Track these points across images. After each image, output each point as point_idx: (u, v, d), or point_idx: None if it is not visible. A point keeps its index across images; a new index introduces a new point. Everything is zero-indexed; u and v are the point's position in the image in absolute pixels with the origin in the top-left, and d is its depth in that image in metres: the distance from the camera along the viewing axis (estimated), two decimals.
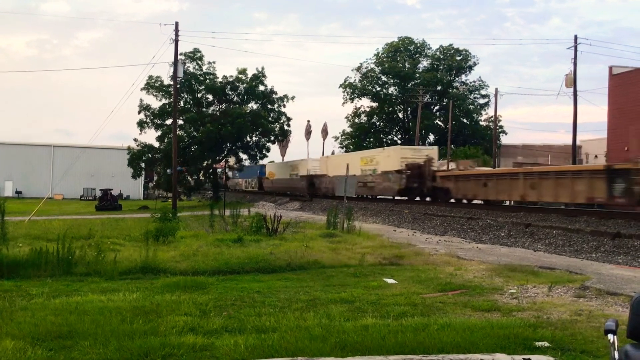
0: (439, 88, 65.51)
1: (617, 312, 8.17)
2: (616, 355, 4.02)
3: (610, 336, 4.10)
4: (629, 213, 18.96)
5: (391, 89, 68.86)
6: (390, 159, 37.23)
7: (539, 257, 14.73)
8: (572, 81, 42.03)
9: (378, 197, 38.49)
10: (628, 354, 3.98)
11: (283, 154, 72.76)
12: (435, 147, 42.59)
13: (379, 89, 68.61)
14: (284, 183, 55.59)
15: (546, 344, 6.44)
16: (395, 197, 35.66)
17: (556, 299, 9.26)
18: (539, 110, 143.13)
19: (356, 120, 70.86)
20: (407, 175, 33.49)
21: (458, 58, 66.46)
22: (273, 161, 73.08)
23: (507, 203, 27.84)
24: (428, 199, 32.34)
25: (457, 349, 6.10)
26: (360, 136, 69.30)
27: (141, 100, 46.94)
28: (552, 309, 8.41)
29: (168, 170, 44.49)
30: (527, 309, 8.43)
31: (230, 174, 71.53)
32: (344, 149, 68.74)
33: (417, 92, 59.96)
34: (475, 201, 28.73)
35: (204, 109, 48.40)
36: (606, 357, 5.28)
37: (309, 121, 69.77)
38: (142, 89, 46.58)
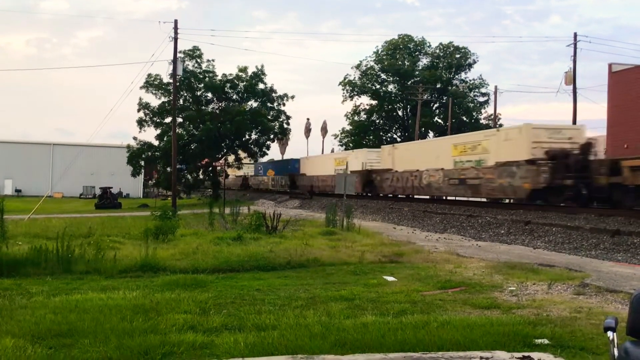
0: (438, 86, 65.44)
1: (616, 309, 8.18)
2: (616, 352, 4.02)
3: (609, 333, 4.10)
4: (628, 210, 18.94)
5: (391, 87, 68.82)
6: (511, 144, 25.32)
7: (538, 254, 14.74)
8: (571, 79, 42.06)
9: (489, 199, 28.16)
10: (628, 351, 3.98)
11: (283, 152, 72.66)
12: (583, 125, 28.02)
13: (378, 86, 68.57)
14: (325, 181, 45.79)
15: (546, 341, 6.45)
16: (525, 202, 24.77)
17: (556, 296, 9.26)
18: (538, 107, 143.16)
19: (356, 118, 70.83)
20: (550, 167, 22.84)
21: (457, 56, 66.40)
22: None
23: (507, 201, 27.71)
24: (596, 203, 22.49)
25: (456, 346, 6.10)
26: (360, 134, 69.26)
27: (140, 99, 46.95)
28: (551, 307, 8.42)
29: (168, 169, 44.48)
30: (527, 307, 8.44)
31: (249, 170, 67.50)
32: (344, 146, 68.68)
33: (417, 90, 59.92)
34: None
35: (204, 107, 48.38)
36: (606, 354, 5.29)
37: (308, 119, 69.77)
38: (141, 87, 46.59)
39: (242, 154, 52.37)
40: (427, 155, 32.72)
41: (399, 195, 35.24)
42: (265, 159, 65.16)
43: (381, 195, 37.85)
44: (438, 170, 30.37)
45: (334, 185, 37.55)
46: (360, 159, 40.23)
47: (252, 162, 65.68)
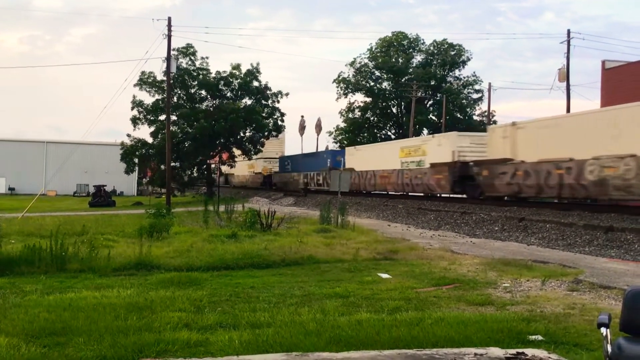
0: (432, 83, 65.39)
1: (610, 305, 8.22)
2: (609, 348, 4.04)
3: (603, 329, 4.12)
4: (621, 207, 19.00)
5: (385, 84, 68.75)
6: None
7: (532, 251, 14.79)
8: (565, 75, 42.14)
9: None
10: (621, 347, 4.00)
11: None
12: None
13: (372, 84, 68.49)
14: (387, 178, 34.65)
15: (540, 337, 6.47)
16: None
17: (550, 292, 9.30)
18: (532, 104, 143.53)
19: (350, 116, 70.72)
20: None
21: (452, 53, 66.37)
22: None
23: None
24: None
25: (451, 343, 6.12)
26: (355, 131, 69.19)
27: (134, 97, 46.72)
28: (545, 303, 8.45)
29: (162, 166, 44.36)
30: (521, 303, 8.47)
31: (270, 165, 58.45)
32: (338, 144, 68.64)
33: (411, 87, 59.92)
34: None
35: (198, 105, 48.23)
36: (599, 350, 5.31)
37: (302, 116, 69.25)
38: (135, 85, 46.35)
39: (236, 152, 52.26)
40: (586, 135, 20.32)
41: (528, 198, 24.04)
42: (286, 152, 61.62)
43: (486, 196, 25.93)
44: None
45: (403, 184, 32.44)
46: (449, 147, 28.85)
47: (275, 156, 59.07)
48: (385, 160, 34.86)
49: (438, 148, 29.48)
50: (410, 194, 33.48)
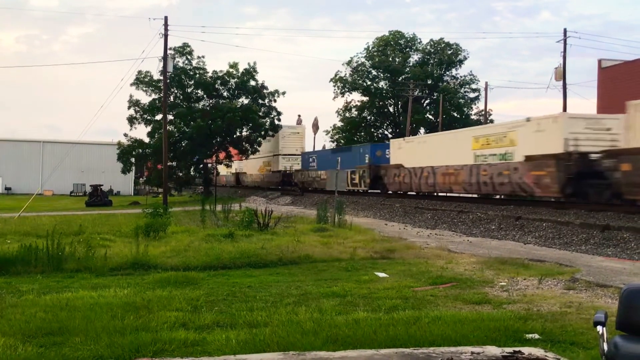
0: (429, 82, 65.43)
1: (606, 303, 8.24)
2: (605, 346, 4.05)
3: (599, 328, 4.13)
4: (618, 206, 19.04)
5: (382, 83, 68.76)
6: None
7: (529, 249, 14.81)
8: (561, 74, 42.19)
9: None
10: (617, 345, 4.01)
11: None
12: None
13: (369, 83, 68.49)
14: (455, 177, 27.64)
15: (536, 336, 6.48)
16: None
17: (546, 291, 9.32)
18: (529, 103, 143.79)
19: (347, 115, 70.75)
20: None
21: (448, 52, 66.45)
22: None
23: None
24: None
25: (448, 341, 6.13)
26: (351, 130, 69.22)
27: (131, 96, 46.68)
28: (542, 301, 8.46)
29: (159, 166, 44.28)
30: (518, 302, 8.48)
31: (289, 162, 51.17)
32: (335, 143, 68.64)
33: (408, 86, 59.97)
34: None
35: (194, 104, 48.19)
36: (596, 348, 5.32)
37: (299, 115, 69.38)
38: (131, 85, 46.35)
39: (232, 151, 52.22)
40: None
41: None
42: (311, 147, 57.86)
43: (625, 200, 18.91)
44: None
45: (479, 183, 25.43)
46: (557, 133, 21.46)
47: (296, 152, 51.43)
48: (449, 154, 28.09)
49: (537, 135, 22.41)
50: (495, 196, 26.67)
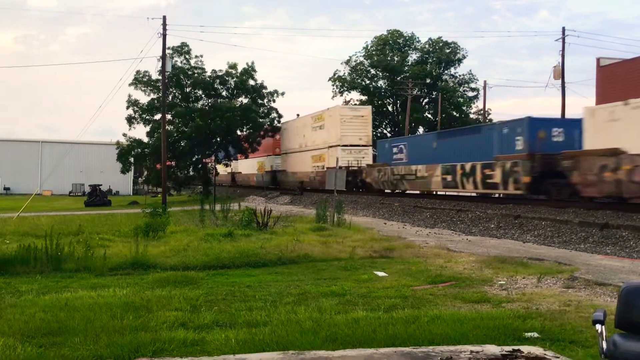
0: (428, 81, 65.51)
1: (605, 302, 8.24)
2: (604, 345, 4.06)
3: (598, 326, 4.14)
4: (617, 204, 19.06)
5: (380, 82, 68.83)
6: None
7: (528, 248, 14.82)
8: (560, 73, 42.24)
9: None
10: (616, 343, 4.02)
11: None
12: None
13: (368, 82, 68.54)
14: None
15: (535, 334, 6.49)
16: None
17: (545, 289, 9.32)
18: (527, 102, 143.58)
19: None
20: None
21: (447, 51, 66.51)
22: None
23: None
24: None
25: (447, 340, 6.13)
26: None
27: (129, 96, 46.61)
28: (541, 300, 8.47)
29: (158, 165, 44.25)
30: (517, 300, 8.49)
31: (360, 156, 38.72)
32: None
33: (407, 85, 59.99)
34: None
35: (193, 104, 48.14)
36: (595, 347, 5.32)
37: (298, 115, 69.20)
38: (130, 84, 46.20)
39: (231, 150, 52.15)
40: None
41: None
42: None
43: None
44: None
45: None
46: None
47: (359, 142, 39.33)
48: None
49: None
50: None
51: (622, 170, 17.87)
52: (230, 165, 59.58)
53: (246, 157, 53.49)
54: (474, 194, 26.96)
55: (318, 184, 40.08)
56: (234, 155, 52.00)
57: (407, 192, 31.89)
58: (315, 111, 43.98)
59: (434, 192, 30.36)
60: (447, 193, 29.17)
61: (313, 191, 40.69)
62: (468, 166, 25.72)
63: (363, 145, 39.27)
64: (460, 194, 27.75)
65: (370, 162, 38.60)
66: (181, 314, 7.47)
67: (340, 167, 33.63)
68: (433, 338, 6.21)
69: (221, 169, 61.45)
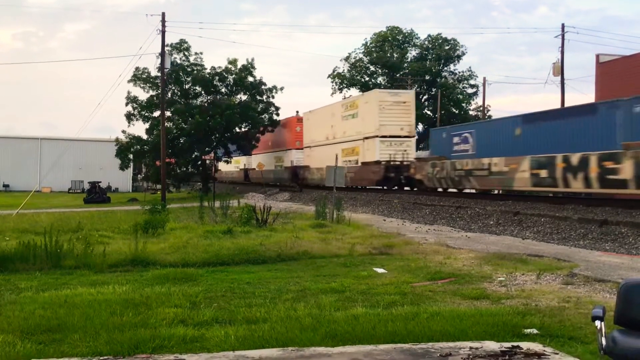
0: (427, 78, 65.46)
1: (604, 298, 8.25)
2: (603, 341, 4.06)
3: (597, 322, 4.15)
4: (616, 200, 19.07)
5: (380, 79, 68.73)
6: None
7: (527, 245, 14.83)
8: (559, 69, 42.22)
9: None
10: (615, 340, 4.02)
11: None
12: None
13: (367, 79, 68.47)
14: None
15: (535, 330, 6.50)
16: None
17: (544, 286, 9.33)
18: (527, 98, 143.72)
19: None
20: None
21: (446, 47, 66.43)
22: None
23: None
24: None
25: (446, 337, 6.14)
26: None
27: (128, 93, 46.57)
28: (540, 296, 8.48)
29: (157, 162, 44.23)
30: (516, 297, 8.49)
31: (400, 150, 33.51)
32: None
33: (406, 82, 59.95)
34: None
35: (192, 101, 48.12)
36: (594, 343, 5.33)
37: (297, 112, 69.09)
38: (129, 81, 46.21)
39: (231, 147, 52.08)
40: None
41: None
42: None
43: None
44: None
45: None
46: None
47: (400, 132, 33.81)
48: None
49: None
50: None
51: None
52: (240, 161, 58.31)
53: (259, 152, 49.91)
54: (570, 193, 22.52)
55: (350, 182, 35.31)
56: (246, 151, 50.95)
57: (474, 190, 27.31)
58: (346, 98, 39.80)
59: (520, 192, 25.32)
60: (538, 193, 24.10)
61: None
62: (575, 158, 19.84)
63: (405, 137, 33.75)
64: (557, 192, 22.88)
65: (413, 155, 33.93)
66: (181, 310, 7.47)
67: (379, 163, 33.16)
68: (432, 334, 6.22)
69: (233, 164, 59.69)
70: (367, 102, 35.16)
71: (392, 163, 32.93)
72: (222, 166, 63.60)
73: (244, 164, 61.44)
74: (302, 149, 46.01)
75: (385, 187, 34.18)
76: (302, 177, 45.03)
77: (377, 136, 33.48)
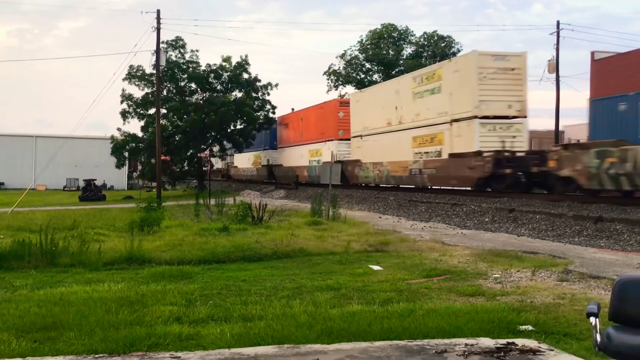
0: None
1: (599, 295, 8.27)
2: (598, 337, 4.07)
3: (592, 319, 4.15)
4: (611, 197, 19.12)
5: (375, 76, 68.68)
6: None
7: (522, 241, 14.86)
8: (554, 67, 42.22)
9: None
10: (610, 336, 4.03)
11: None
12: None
13: (363, 76, 68.42)
14: None
15: (530, 327, 6.51)
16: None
17: (540, 283, 9.35)
18: None
19: None
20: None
21: (442, 45, 66.44)
22: None
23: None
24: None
25: (442, 333, 6.15)
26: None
27: (123, 90, 46.44)
28: (535, 293, 8.49)
29: (152, 160, 44.15)
30: (511, 294, 8.51)
31: (510, 131, 23.71)
32: None
33: None
34: None
35: (188, 98, 48.03)
36: (589, 339, 5.35)
37: (293, 109, 68.98)
38: (124, 79, 46.12)
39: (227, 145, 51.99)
40: None
41: None
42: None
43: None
44: None
45: None
46: None
47: (514, 113, 24.43)
48: None
49: None
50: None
51: None
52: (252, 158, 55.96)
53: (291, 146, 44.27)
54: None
55: (428, 180, 27.90)
56: (241, 148, 50.02)
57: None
58: (420, 69, 30.67)
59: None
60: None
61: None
62: None
63: (513, 117, 24.55)
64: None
65: (525, 142, 24.89)
66: (176, 308, 7.46)
67: (480, 154, 23.55)
68: (428, 331, 6.23)
69: (252, 159, 55.25)
70: (458, 71, 25.36)
71: (504, 154, 23.33)
72: (237, 161, 62.28)
73: (267, 160, 52.16)
74: (347, 139, 36.86)
75: (490, 189, 24.21)
76: (349, 175, 35.78)
77: (475, 117, 23.99)
